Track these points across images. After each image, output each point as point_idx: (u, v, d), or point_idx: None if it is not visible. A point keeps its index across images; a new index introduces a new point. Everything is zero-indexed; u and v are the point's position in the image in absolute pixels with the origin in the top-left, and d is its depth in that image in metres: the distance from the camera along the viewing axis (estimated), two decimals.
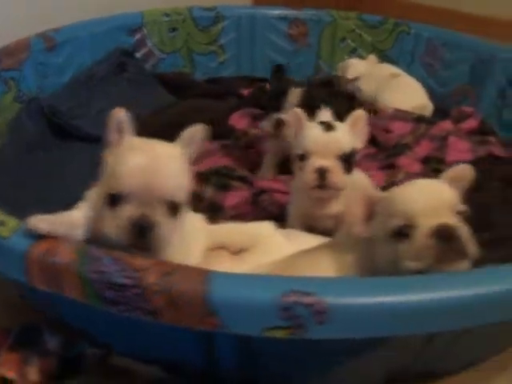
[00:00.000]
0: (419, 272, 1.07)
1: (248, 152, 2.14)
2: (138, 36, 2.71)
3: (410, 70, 2.77)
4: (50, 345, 1.23)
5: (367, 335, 0.98)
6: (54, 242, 1.05)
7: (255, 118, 2.32)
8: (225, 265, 1.35)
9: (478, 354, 1.31)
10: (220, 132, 2.20)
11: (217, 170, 1.93)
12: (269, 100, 1.86)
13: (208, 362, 1.17)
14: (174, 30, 2.82)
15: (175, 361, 1.22)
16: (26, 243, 1.05)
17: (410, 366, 1.21)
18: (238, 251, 1.44)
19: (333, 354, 1.11)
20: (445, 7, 3.64)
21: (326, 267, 1.22)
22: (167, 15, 2.79)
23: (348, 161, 1.52)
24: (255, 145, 2.15)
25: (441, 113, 2.53)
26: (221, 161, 2.03)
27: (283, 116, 1.74)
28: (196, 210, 1.43)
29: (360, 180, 1.22)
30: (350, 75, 2.69)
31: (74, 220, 1.17)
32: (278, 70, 2.09)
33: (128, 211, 1.09)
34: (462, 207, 1.14)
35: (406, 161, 2.02)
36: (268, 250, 1.41)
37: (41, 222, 1.07)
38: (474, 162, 2.00)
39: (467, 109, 2.43)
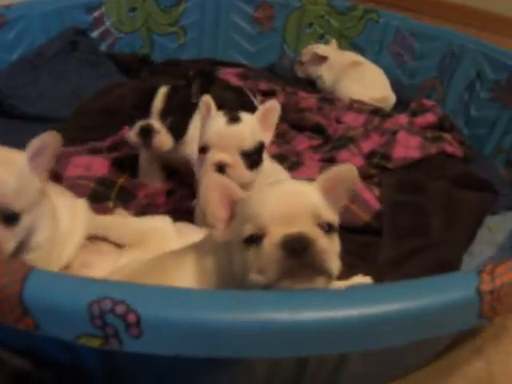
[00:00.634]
0: (267, 287, 0.91)
1: None
2: (95, 14, 2.59)
3: (378, 59, 2.68)
4: None
5: (186, 353, 0.85)
6: None
7: None
8: (102, 258, 1.29)
9: (376, 377, 1.19)
10: None
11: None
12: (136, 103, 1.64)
13: (72, 357, 1.07)
14: (133, 9, 2.70)
15: (41, 353, 1.12)
16: None
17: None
18: (123, 245, 1.34)
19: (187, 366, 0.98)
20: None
21: (187, 269, 1.08)
22: None
23: (252, 156, 1.39)
24: None
25: (404, 106, 2.41)
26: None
27: (151, 122, 1.58)
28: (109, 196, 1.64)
29: (220, 177, 1.05)
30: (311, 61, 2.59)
31: None
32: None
33: None
34: (329, 216, 0.97)
35: (347, 155, 1.88)
36: (153, 245, 1.30)
37: None
38: (422, 160, 1.91)
39: (427, 102, 2.30)
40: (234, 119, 1.38)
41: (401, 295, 0.90)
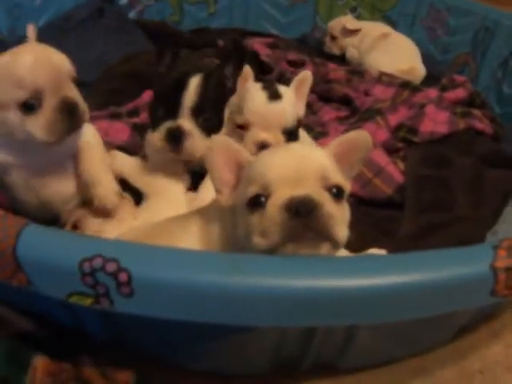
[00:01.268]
0: (270, 252, 0.88)
1: None
2: None
3: (410, 32, 2.63)
4: None
5: (181, 318, 0.83)
6: None
7: None
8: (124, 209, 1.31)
9: (387, 353, 1.16)
10: None
11: None
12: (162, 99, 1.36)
13: (74, 319, 1.08)
14: None
15: (45, 315, 1.12)
16: None
17: (299, 357, 1.07)
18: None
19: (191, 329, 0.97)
20: None
21: (192, 234, 1.06)
22: None
23: (292, 132, 1.38)
24: None
25: (436, 81, 2.33)
26: None
27: (181, 123, 1.30)
28: None
29: (226, 140, 1.02)
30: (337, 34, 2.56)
31: None
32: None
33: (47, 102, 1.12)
34: (338, 180, 0.94)
35: (372, 127, 1.84)
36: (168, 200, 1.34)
37: None
38: (449, 135, 1.85)
39: (459, 78, 2.24)
40: (274, 95, 1.37)
41: (406, 267, 0.87)
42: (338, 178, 0.94)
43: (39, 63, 1.09)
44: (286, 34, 2.82)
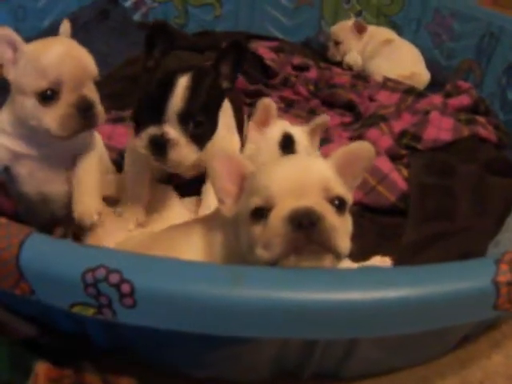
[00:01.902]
0: (273, 264, 0.88)
1: None
2: None
3: (415, 38, 2.63)
4: None
5: (182, 329, 0.83)
6: None
7: None
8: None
9: (389, 363, 1.15)
10: None
11: None
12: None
13: (77, 325, 1.07)
14: None
15: (49, 321, 1.11)
16: None
17: (300, 366, 1.07)
18: None
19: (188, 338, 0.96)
20: None
21: (194, 244, 1.06)
22: None
23: None
24: None
25: (441, 87, 2.34)
26: None
27: (165, 130, 1.15)
28: None
29: (228, 152, 1.03)
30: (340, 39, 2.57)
31: None
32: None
33: (67, 97, 1.13)
34: (341, 191, 0.94)
35: (376, 133, 1.84)
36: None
37: None
38: (453, 142, 1.85)
39: (463, 84, 2.24)
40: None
41: (408, 281, 0.86)
42: (341, 189, 0.94)
43: (67, 57, 1.11)
44: (290, 37, 2.82)
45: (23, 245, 0.84)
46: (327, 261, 0.88)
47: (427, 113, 1.97)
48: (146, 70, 1.20)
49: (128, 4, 2.59)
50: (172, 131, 1.13)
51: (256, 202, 0.92)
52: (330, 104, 2.17)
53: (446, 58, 2.57)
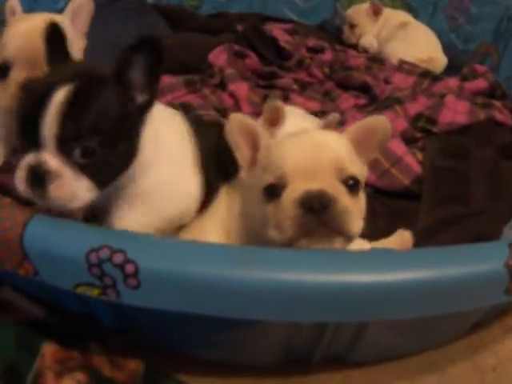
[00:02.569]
0: (285, 245, 0.87)
1: (217, 92, 1.95)
2: None
3: (431, 21, 2.60)
4: None
5: (187, 310, 0.82)
6: None
7: (237, 56, 2.15)
8: None
9: (405, 347, 1.15)
10: (201, 68, 2.10)
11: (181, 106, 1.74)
12: None
13: (85, 307, 1.06)
14: None
15: (57, 302, 1.11)
16: None
17: (310, 350, 1.06)
18: None
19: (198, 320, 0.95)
20: None
21: (221, 212, 1.06)
22: None
23: None
24: (227, 85, 1.96)
25: (457, 70, 2.31)
26: (185, 98, 1.85)
27: (43, 158, 0.86)
28: None
29: (242, 118, 1.00)
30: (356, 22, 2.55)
31: None
32: None
33: (15, 75, 1.10)
34: (355, 170, 0.92)
35: (391, 116, 1.81)
36: None
37: None
38: (469, 126, 1.83)
39: (480, 68, 2.21)
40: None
41: (416, 263, 0.85)
42: (355, 168, 0.93)
43: (23, 34, 1.09)
44: (305, 19, 2.79)
45: (27, 225, 0.83)
46: (338, 243, 0.87)
47: (443, 96, 1.95)
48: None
49: None
50: (51, 159, 0.84)
51: (269, 179, 0.91)
52: (344, 86, 2.14)
53: (463, 42, 2.55)
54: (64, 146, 0.84)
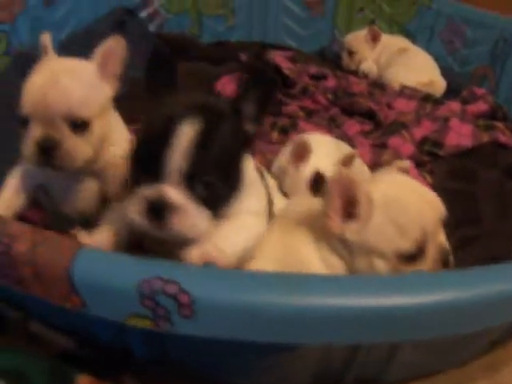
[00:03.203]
0: None
1: None
2: None
3: (428, 45, 2.64)
4: None
5: (239, 338, 0.84)
6: None
7: None
8: None
9: (434, 365, 1.18)
10: None
11: None
12: None
13: (118, 338, 1.08)
14: None
15: (88, 334, 1.12)
16: None
17: (342, 372, 1.08)
18: None
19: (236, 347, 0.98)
20: None
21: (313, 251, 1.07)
22: None
23: None
24: None
25: (456, 93, 2.37)
26: None
27: (164, 192, 0.89)
28: None
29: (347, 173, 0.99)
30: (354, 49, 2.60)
31: None
32: None
33: (32, 132, 1.06)
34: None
35: (398, 141, 1.87)
36: None
37: None
38: (473, 148, 1.88)
39: (478, 90, 2.27)
40: None
41: (449, 285, 0.88)
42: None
43: (38, 90, 1.07)
44: (304, 47, 2.83)
45: (75, 257, 0.85)
46: None
47: (447, 120, 1.99)
48: (146, 111, 0.96)
49: (142, 15, 2.59)
50: (174, 193, 0.87)
51: (408, 245, 0.97)
52: (348, 112, 2.18)
53: (460, 65, 2.59)
54: (188, 181, 0.86)
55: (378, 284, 0.87)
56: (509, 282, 0.91)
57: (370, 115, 2.15)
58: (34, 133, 1.06)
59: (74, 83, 1.08)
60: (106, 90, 1.16)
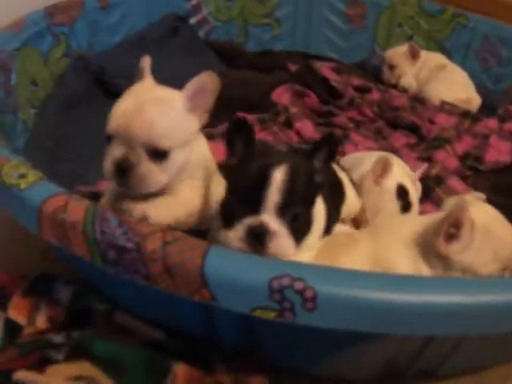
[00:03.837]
0: None
1: (285, 130, 2.10)
2: (193, 2, 2.72)
3: (463, 62, 2.75)
4: (60, 295, 1.28)
5: (355, 328, 0.97)
6: (66, 199, 1.07)
7: (298, 95, 2.30)
8: None
9: (484, 360, 1.31)
10: (262, 105, 2.22)
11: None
12: None
13: (208, 329, 1.19)
14: None
15: (177, 326, 1.24)
16: (40, 198, 1.08)
17: (409, 364, 1.22)
18: None
19: (330, 338, 1.12)
20: None
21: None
22: None
23: None
24: (293, 123, 2.12)
25: (489, 110, 2.49)
26: (258, 135, 1.96)
27: (264, 220, 1.07)
28: None
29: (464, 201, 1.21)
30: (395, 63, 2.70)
31: None
32: None
33: (113, 150, 1.11)
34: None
35: (443, 155, 1.99)
36: None
37: None
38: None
39: None
40: None
41: None
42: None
43: (125, 114, 1.10)
44: (345, 58, 2.94)
45: (207, 256, 0.97)
46: None
47: (486, 136, 2.12)
48: (232, 167, 1.15)
49: (192, 22, 2.71)
50: (272, 221, 1.06)
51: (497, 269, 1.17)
52: (393, 125, 2.29)
53: (494, 83, 2.71)
54: (281, 212, 1.05)
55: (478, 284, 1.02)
56: None
57: (412, 129, 2.26)
58: (115, 152, 1.09)
59: (159, 115, 1.09)
60: (191, 123, 1.15)
